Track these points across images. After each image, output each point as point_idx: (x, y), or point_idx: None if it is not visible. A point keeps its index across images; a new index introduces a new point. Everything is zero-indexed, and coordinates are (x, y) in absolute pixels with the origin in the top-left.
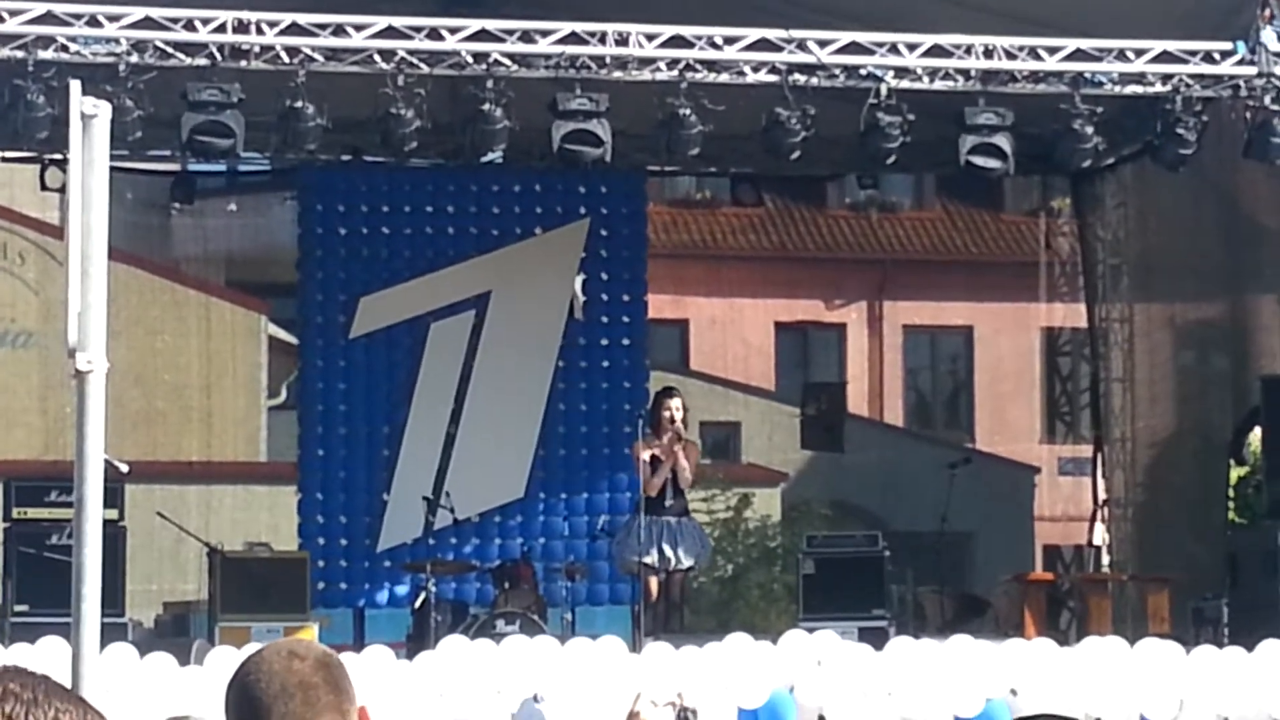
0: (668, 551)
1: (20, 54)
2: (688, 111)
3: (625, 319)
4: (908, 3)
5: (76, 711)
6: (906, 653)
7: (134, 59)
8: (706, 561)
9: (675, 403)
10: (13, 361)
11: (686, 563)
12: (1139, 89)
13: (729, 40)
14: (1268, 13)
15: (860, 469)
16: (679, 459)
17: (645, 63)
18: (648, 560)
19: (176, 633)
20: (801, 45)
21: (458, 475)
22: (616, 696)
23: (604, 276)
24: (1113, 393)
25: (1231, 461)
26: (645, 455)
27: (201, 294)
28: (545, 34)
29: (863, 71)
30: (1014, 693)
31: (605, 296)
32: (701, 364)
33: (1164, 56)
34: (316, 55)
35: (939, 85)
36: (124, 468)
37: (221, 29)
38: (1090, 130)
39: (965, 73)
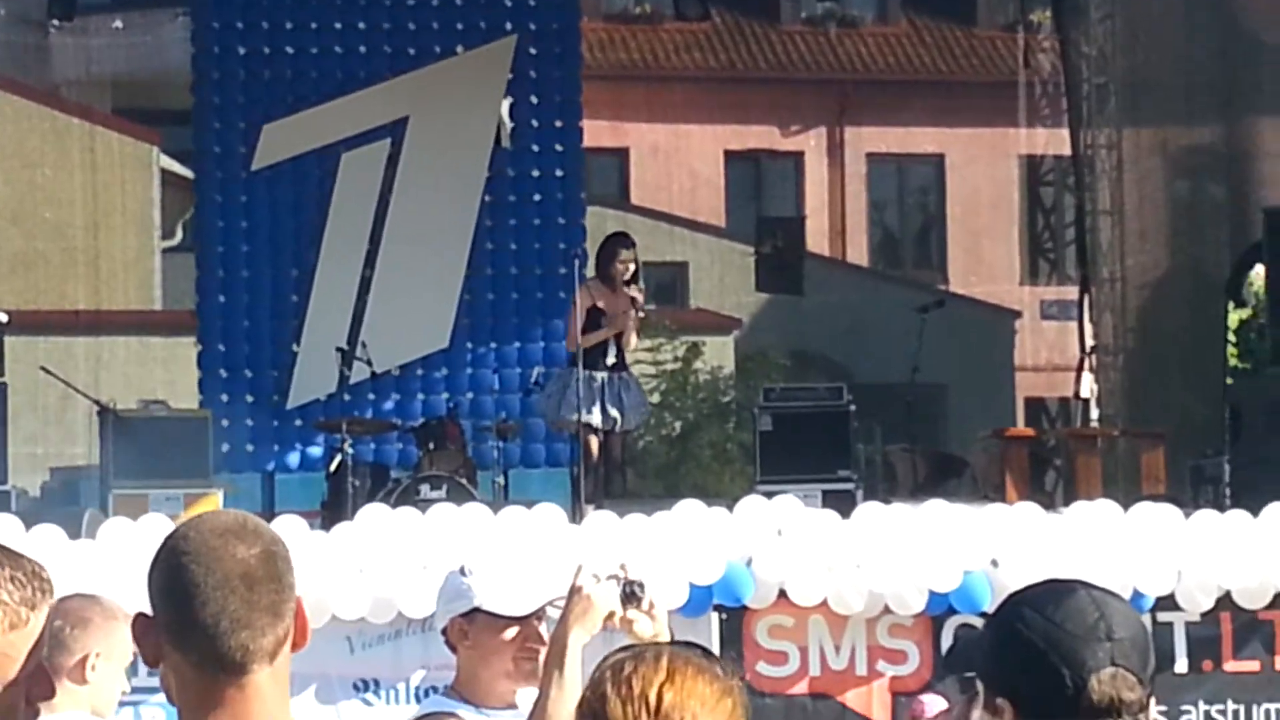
0: (611, 411)
1: None
2: None
3: (558, 147)
4: None
5: (22, 569)
6: (875, 519)
7: None
8: (642, 421)
9: (629, 254)
10: None
11: (632, 423)
12: None
13: None
14: None
15: (821, 314)
16: (628, 329)
17: None
18: (588, 420)
19: (65, 501)
20: None
21: (375, 323)
22: (556, 570)
23: (533, 100)
24: (1100, 227)
25: (1231, 303)
26: (587, 305)
27: (85, 122)
28: None
29: None
30: (995, 564)
31: (535, 122)
32: (643, 197)
33: None
34: None
35: None
36: (2, 317)
37: None
38: None
39: None
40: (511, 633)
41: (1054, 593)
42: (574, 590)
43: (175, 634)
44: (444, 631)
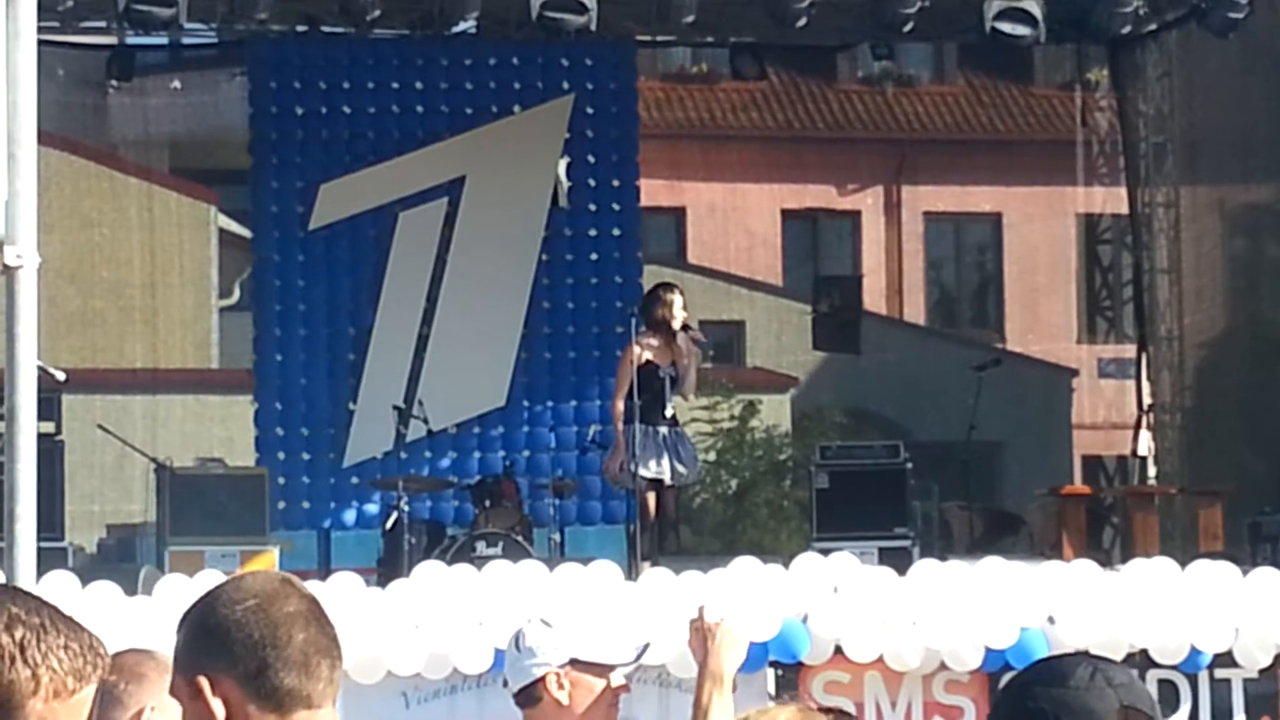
0: (678, 465)
1: None
2: None
3: (615, 206)
4: None
5: (80, 640)
6: (932, 577)
7: None
8: (698, 475)
9: (676, 299)
10: None
11: (692, 476)
12: None
13: None
14: None
15: (878, 372)
16: (690, 371)
17: None
18: (647, 473)
19: (122, 558)
20: None
21: (432, 381)
22: (612, 627)
23: (591, 159)
24: (1158, 285)
25: None
26: (639, 364)
27: (143, 182)
28: None
29: None
30: (1052, 621)
31: (592, 182)
32: (700, 256)
33: None
34: None
35: None
36: (60, 375)
37: None
38: None
39: None
40: (616, 679)
41: (1047, 664)
42: (711, 626)
43: (255, 678)
44: (528, 686)
